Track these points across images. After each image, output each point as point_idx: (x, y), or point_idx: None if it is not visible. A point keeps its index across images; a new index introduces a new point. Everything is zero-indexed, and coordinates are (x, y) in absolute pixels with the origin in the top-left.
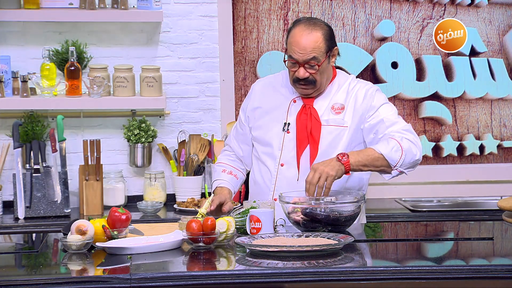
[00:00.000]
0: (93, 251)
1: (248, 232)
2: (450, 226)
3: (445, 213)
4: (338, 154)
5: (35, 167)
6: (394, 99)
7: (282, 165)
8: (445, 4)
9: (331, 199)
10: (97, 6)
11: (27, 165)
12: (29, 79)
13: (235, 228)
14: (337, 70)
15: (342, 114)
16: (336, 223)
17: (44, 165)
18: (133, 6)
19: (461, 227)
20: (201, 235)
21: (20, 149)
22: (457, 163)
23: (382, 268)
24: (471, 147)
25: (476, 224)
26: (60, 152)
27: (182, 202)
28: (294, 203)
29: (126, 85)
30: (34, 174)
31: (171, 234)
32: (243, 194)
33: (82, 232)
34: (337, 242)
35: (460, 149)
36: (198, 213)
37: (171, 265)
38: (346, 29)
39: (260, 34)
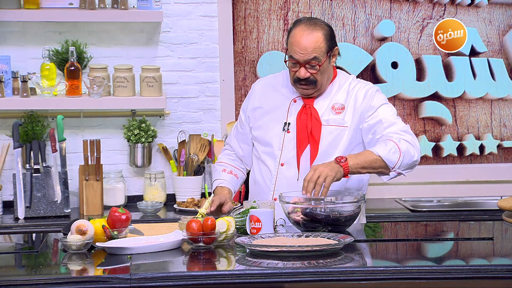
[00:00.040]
0: (93, 251)
1: (248, 232)
2: (450, 226)
3: (445, 213)
4: (336, 157)
5: (35, 167)
6: (394, 99)
7: (282, 164)
8: (445, 4)
9: (331, 199)
10: (97, 6)
11: (27, 165)
12: (29, 79)
13: (235, 228)
14: (337, 70)
15: (342, 114)
16: (336, 223)
17: (44, 165)
18: (133, 6)
19: (461, 227)
20: (201, 235)
21: (20, 149)
22: (457, 163)
23: (382, 268)
24: (471, 147)
25: (476, 224)
26: (60, 152)
27: (182, 202)
28: (294, 203)
29: (126, 85)
30: (34, 174)
31: (171, 234)
32: (243, 194)
33: (82, 232)
34: (337, 242)
35: (460, 149)
36: (198, 213)
37: (171, 265)
38: (346, 29)
39: (260, 34)
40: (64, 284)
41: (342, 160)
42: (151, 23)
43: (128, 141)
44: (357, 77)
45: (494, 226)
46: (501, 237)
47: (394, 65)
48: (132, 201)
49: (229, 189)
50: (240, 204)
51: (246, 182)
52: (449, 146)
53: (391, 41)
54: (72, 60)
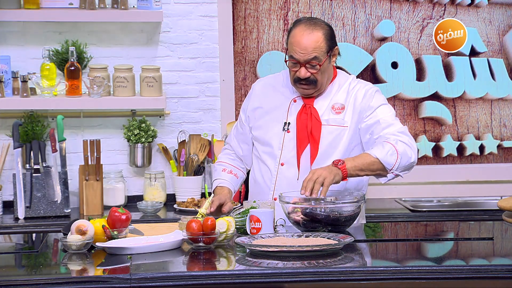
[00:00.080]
0: (93, 251)
1: (248, 232)
2: (450, 226)
3: (445, 213)
4: (334, 161)
5: (35, 167)
6: (394, 99)
7: (282, 164)
8: (445, 4)
9: (331, 199)
10: (97, 6)
11: (27, 165)
12: (29, 79)
13: (235, 228)
14: (337, 70)
15: (342, 114)
16: (336, 223)
17: (44, 165)
18: (133, 6)
19: (461, 227)
20: (201, 235)
21: (20, 149)
22: (457, 163)
23: (382, 268)
24: (471, 147)
25: (476, 224)
26: (60, 152)
27: (182, 202)
28: (294, 203)
29: (126, 85)
30: (34, 174)
31: (171, 234)
32: (243, 194)
33: (82, 232)
34: (337, 242)
35: (460, 149)
36: (198, 213)
37: (171, 265)
38: (346, 29)
39: (260, 34)
40: (64, 284)
41: (340, 163)
42: (151, 23)
43: (128, 141)
44: (357, 77)
45: (494, 226)
46: (501, 237)
47: (394, 65)
48: (132, 201)
49: (229, 189)
50: (240, 204)
51: (246, 182)
52: (449, 146)
53: (391, 41)
54: (72, 60)
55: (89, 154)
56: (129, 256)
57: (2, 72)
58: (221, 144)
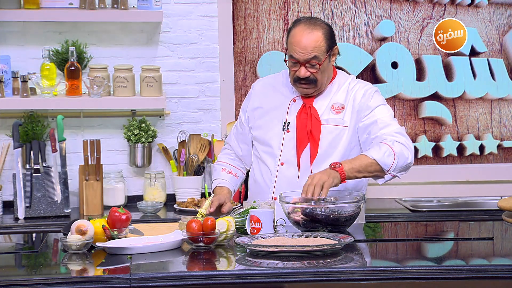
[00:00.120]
0: (93, 251)
1: (248, 232)
2: (450, 226)
3: (445, 213)
4: (331, 164)
5: (35, 167)
6: (394, 99)
7: (282, 164)
8: (445, 4)
9: (331, 199)
10: (97, 6)
11: (27, 165)
12: (29, 79)
13: (235, 228)
14: (337, 70)
15: (342, 113)
16: (336, 223)
17: (44, 165)
18: (133, 6)
19: (461, 227)
20: (201, 235)
21: (20, 149)
22: (457, 163)
23: (382, 268)
24: (471, 147)
25: (476, 224)
26: (60, 152)
27: (182, 202)
28: (294, 203)
29: (126, 85)
30: (34, 174)
31: (171, 234)
32: (243, 193)
33: (82, 232)
34: (337, 242)
35: (460, 149)
36: (198, 213)
37: (171, 265)
38: (346, 29)
39: (260, 34)
40: (64, 284)
41: (337, 165)
42: (151, 23)
43: (128, 141)
44: (357, 77)
45: (494, 226)
46: (501, 237)
47: (394, 65)
48: (132, 201)
49: (228, 189)
50: (240, 204)
51: (246, 182)
52: (449, 146)
53: (391, 41)
54: (72, 60)
55: (89, 154)
56: (129, 256)
57: (2, 72)
58: (221, 144)
